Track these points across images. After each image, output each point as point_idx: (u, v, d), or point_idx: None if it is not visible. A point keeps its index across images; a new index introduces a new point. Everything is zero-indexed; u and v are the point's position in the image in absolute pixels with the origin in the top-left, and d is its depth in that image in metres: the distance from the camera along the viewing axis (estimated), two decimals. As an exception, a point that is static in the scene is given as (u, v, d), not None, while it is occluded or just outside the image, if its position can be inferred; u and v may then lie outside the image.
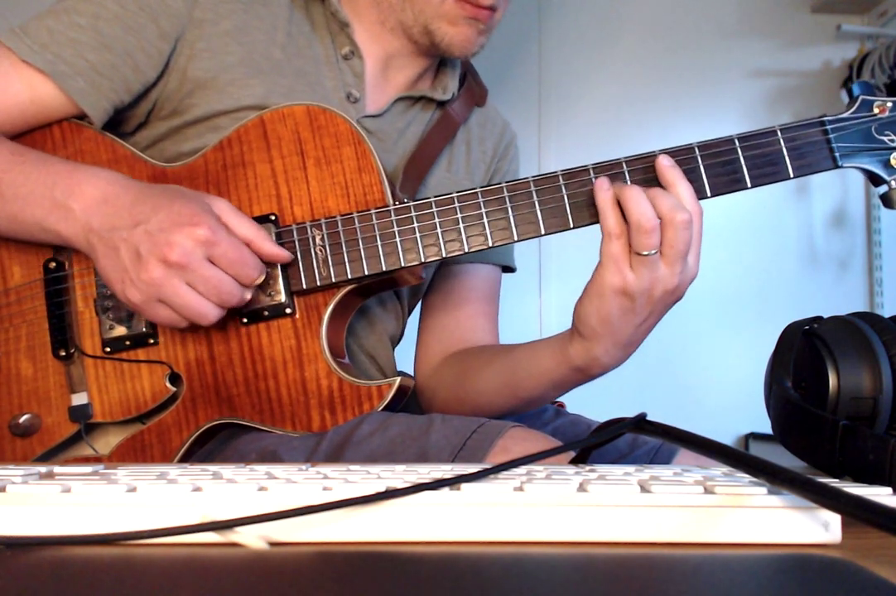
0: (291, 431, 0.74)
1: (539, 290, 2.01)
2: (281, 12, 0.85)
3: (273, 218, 0.75)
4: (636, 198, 0.67)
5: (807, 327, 0.56)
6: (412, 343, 1.06)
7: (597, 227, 0.72)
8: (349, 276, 0.73)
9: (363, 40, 0.88)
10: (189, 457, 0.76)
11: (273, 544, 0.31)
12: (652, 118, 2.01)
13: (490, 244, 0.72)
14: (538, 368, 0.78)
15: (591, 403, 1.92)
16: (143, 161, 0.79)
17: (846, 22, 2.06)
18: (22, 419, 0.76)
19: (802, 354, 0.54)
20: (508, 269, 1.01)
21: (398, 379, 0.73)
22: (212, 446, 0.77)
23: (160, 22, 0.79)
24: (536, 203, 0.72)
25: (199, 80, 0.80)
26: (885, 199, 0.72)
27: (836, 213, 2.09)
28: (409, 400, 0.96)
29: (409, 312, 0.99)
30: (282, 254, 0.72)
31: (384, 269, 0.73)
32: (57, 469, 0.41)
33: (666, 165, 0.70)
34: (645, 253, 0.67)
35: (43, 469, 0.41)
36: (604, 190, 0.69)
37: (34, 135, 0.80)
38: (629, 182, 0.71)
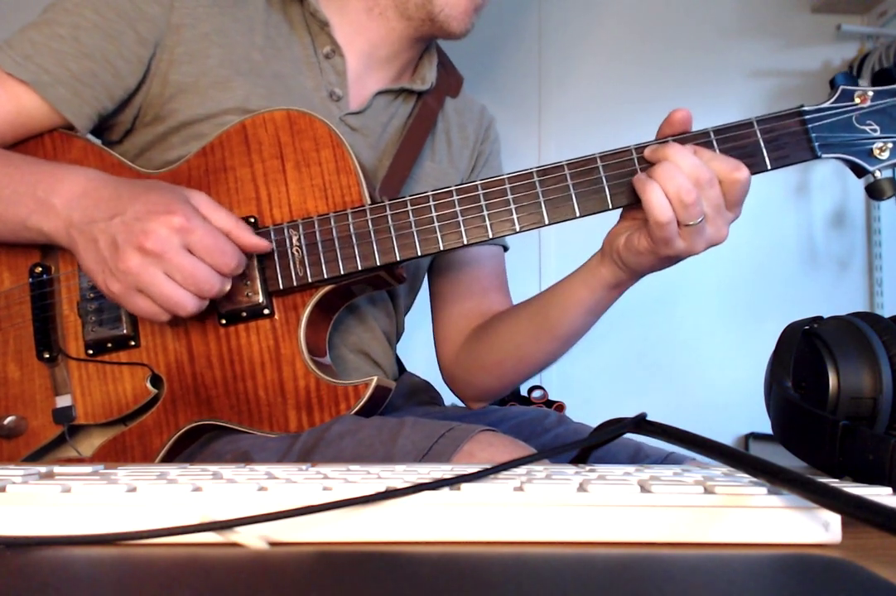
0: (269, 432, 0.74)
1: (539, 285, 2.01)
2: (257, 15, 0.86)
3: (252, 220, 0.75)
4: (671, 173, 0.67)
5: (807, 327, 0.56)
6: (416, 342, 1.06)
7: (586, 220, 0.72)
8: (325, 276, 0.73)
9: (345, 36, 0.88)
10: (171, 459, 0.76)
11: (273, 544, 0.31)
12: (652, 118, 1.99)
13: (465, 242, 0.73)
14: (572, 300, 0.80)
15: (591, 403, 1.92)
16: (128, 168, 0.80)
17: (846, 22, 2.06)
18: (7, 421, 0.77)
19: (802, 354, 0.54)
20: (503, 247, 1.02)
21: (375, 378, 0.73)
22: (192, 449, 0.77)
23: (138, 28, 0.80)
24: (511, 201, 0.72)
25: (181, 85, 0.81)
26: (871, 190, 0.71)
27: (836, 213, 2.09)
28: (411, 399, 0.96)
29: (406, 312, 0.99)
30: (262, 243, 0.71)
31: (360, 268, 0.73)
32: (57, 469, 0.41)
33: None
34: (692, 223, 0.67)
35: (43, 469, 0.41)
36: (646, 180, 0.68)
37: (26, 145, 0.81)
38: (604, 178, 0.71)
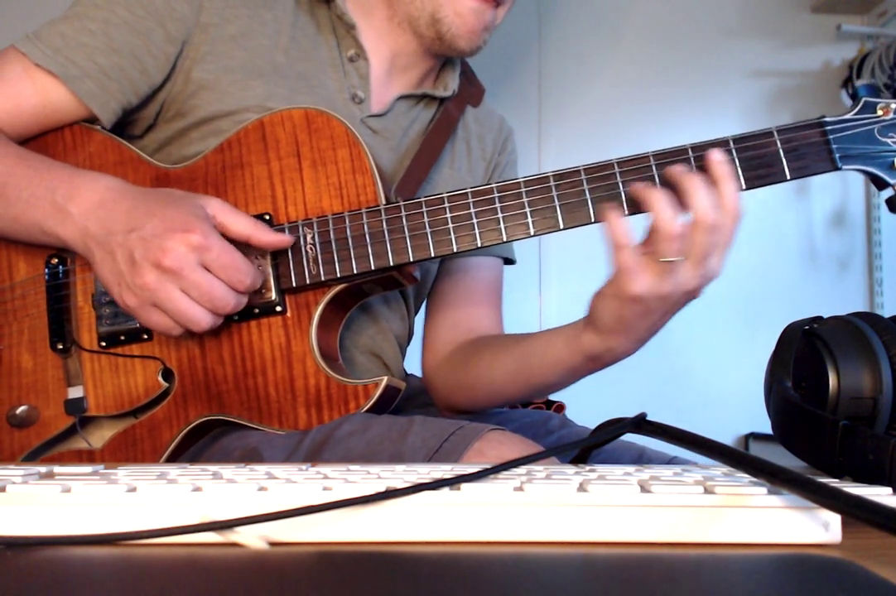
0: (278, 429, 0.74)
1: (539, 289, 2.01)
2: (285, 17, 0.86)
3: (267, 217, 0.76)
4: (660, 202, 0.64)
5: (807, 327, 0.56)
6: (415, 344, 1.06)
7: (594, 226, 0.72)
8: (338, 275, 0.73)
9: (369, 40, 0.89)
10: (180, 453, 0.76)
11: (273, 544, 0.31)
12: (652, 118, 2.01)
13: (479, 244, 0.72)
14: (552, 357, 0.78)
15: (591, 403, 1.92)
16: (146, 163, 0.80)
17: (846, 22, 2.06)
18: (19, 410, 0.77)
19: (802, 354, 0.54)
20: (509, 261, 1.02)
21: (385, 378, 0.73)
22: (201, 444, 0.77)
23: (167, 26, 0.80)
24: (526, 204, 0.72)
25: (202, 82, 0.82)
26: (891, 203, 0.71)
27: (836, 213, 2.09)
28: (415, 399, 0.96)
29: (415, 313, 0.99)
30: (283, 239, 0.72)
31: (373, 267, 0.73)
32: (57, 469, 0.41)
33: (716, 161, 0.66)
34: (670, 260, 0.64)
35: (43, 469, 0.41)
36: (613, 208, 0.66)
37: (46, 137, 0.82)
38: (621, 184, 0.70)
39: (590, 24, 2.06)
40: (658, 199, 0.65)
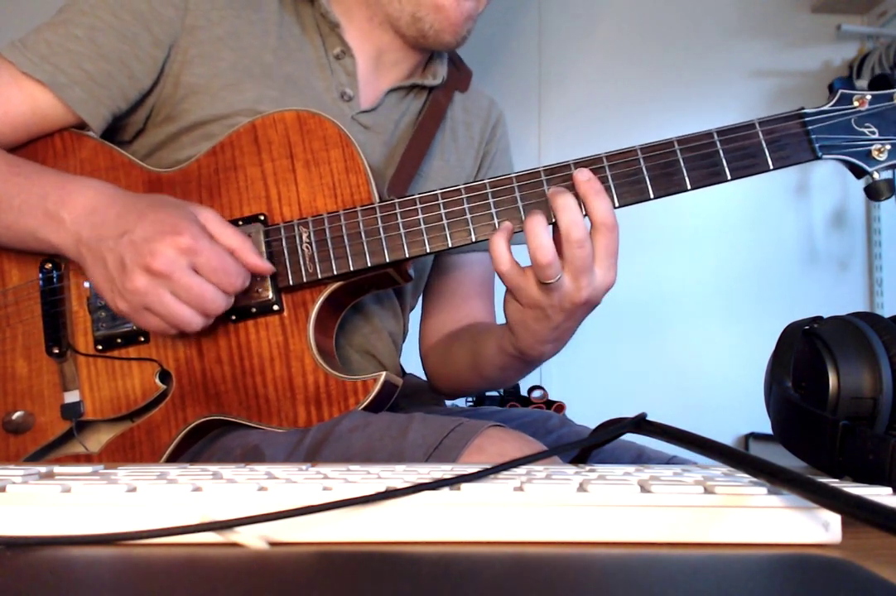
0: (278, 427, 0.74)
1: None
2: (271, 17, 0.86)
3: (262, 218, 0.76)
4: (536, 229, 0.67)
5: (807, 327, 0.56)
6: (416, 343, 1.07)
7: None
8: (335, 273, 0.74)
9: (354, 39, 0.89)
10: (179, 454, 0.76)
11: (273, 544, 0.31)
12: (652, 118, 2.01)
13: (473, 239, 0.73)
14: (488, 354, 0.83)
15: (591, 403, 1.92)
16: (139, 167, 0.80)
17: (846, 22, 2.06)
18: (15, 416, 0.77)
19: (802, 354, 0.54)
20: None
21: (383, 374, 0.74)
22: (201, 444, 0.77)
23: (153, 30, 0.80)
24: (518, 198, 0.72)
25: (193, 86, 0.82)
26: (869, 191, 0.73)
27: (836, 213, 2.09)
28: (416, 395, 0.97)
29: (410, 310, 1.00)
30: (264, 266, 0.72)
31: (369, 264, 0.74)
32: (57, 469, 0.41)
33: (581, 180, 0.69)
34: (548, 282, 0.67)
35: (43, 469, 0.41)
36: (501, 230, 0.70)
37: (36, 145, 0.82)
38: (609, 177, 0.71)
39: (590, 23, 2.06)
40: (535, 232, 0.67)
